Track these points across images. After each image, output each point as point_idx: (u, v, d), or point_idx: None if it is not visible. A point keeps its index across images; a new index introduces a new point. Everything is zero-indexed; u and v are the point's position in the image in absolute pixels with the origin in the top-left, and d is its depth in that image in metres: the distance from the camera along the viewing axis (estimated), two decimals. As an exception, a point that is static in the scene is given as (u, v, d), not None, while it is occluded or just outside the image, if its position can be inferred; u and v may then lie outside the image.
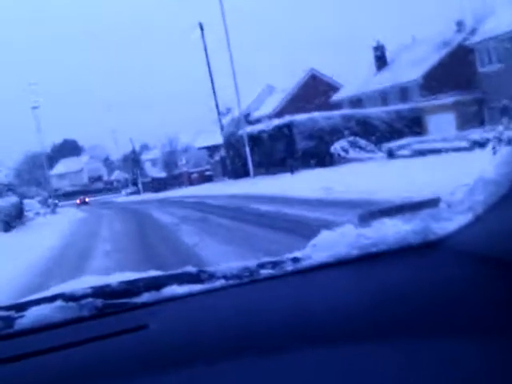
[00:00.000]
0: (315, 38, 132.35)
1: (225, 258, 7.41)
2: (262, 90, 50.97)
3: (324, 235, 1.44)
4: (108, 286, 1.33)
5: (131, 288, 1.31)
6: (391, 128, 29.74)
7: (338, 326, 1.05)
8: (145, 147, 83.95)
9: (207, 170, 50.27)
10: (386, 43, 39.89)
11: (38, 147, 57.44)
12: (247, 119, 39.88)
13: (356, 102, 38.00)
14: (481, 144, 17.89)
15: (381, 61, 38.79)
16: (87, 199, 62.09)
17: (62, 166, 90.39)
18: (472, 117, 26.49)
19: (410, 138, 24.70)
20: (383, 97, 36.09)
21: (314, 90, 42.26)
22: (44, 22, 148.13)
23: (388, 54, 39.38)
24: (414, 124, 30.13)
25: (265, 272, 1.36)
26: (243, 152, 35.00)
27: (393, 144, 23.78)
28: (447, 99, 28.23)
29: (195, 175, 51.02)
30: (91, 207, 49.07)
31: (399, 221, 1.42)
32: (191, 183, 49.16)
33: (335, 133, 28.76)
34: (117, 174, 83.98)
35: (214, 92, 40.27)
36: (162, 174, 57.96)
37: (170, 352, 1.05)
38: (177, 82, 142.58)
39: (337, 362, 0.95)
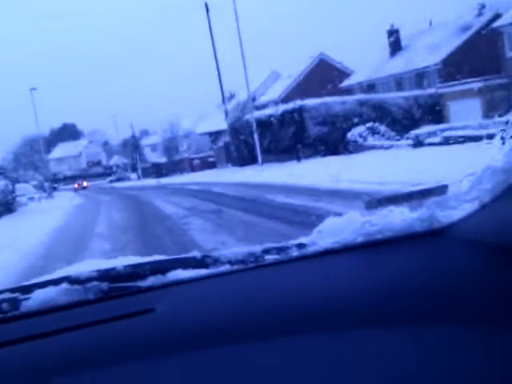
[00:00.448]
0: (324, 22, 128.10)
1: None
2: (267, 76, 48.59)
3: (330, 221, 1.42)
4: (113, 269, 1.29)
5: (136, 272, 1.28)
6: (409, 114, 27.49)
7: (343, 311, 1.04)
8: (145, 132, 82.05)
9: (209, 156, 48.00)
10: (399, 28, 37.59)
11: (39, 130, 54.97)
12: (252, 104, 37.56)
13: (368, 87, 35.72)
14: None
15: (395, 45, 36.50)
16: (85, 184, 60.42)
17: (60, 150, 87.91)
18: (499, 103, 24.24)
19: (442, 125, 22.45)
20: (398, 82, 33.84)
21: (323, 76, 39.95)
22: (44, 4, 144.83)
23: (402, 40, 37.09)
24: (434, 110, 27.88)
25: (270, 257, 1.34)
26: (249, 138, 32.71)
27: (420, 130, 21.50)
28: (472, 84, 25.95)
29: (197, 161, 48.71)
30: (89, 192, 47.06)
31: (405, 208, 1.39)
32: (193, 169, 46.88)
33: (349, 119, 26.48)
34: (116, 159, 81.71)
35: (219, 74, 37.87)
36: (163, 160, 55.63)
37: (176, 335, 1.04)
38: (179, 66, 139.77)
39: (341, 347, 0.95)
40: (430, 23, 37.90)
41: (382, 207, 1.43)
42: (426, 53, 32.74)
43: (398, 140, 22.86)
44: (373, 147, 22.37)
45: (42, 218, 19.81)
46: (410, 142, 20.67)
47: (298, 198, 12.76)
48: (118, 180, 61.74)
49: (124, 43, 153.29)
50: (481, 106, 25.41)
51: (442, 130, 20.07)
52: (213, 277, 1.29)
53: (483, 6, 31.85)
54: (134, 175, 61.70)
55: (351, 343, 0.96)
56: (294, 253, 1.35)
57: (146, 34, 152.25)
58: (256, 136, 28.57)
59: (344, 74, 41.28)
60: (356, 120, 26.14)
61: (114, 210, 19.12)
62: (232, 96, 44.95)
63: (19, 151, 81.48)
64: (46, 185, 46.22)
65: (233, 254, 1.36)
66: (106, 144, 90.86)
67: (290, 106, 28.10)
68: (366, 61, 39.83)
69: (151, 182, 43.19)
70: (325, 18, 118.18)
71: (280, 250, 1.37)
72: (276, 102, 38.19)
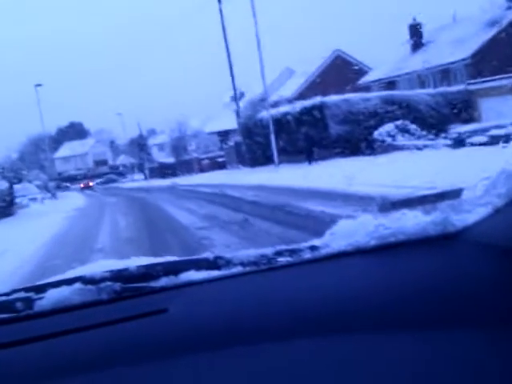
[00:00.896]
0: (338, 17, 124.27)
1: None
2: (280, 73, 46.28)
3: (342, 224, 1.40)
4: (126, 269, 1.30)
5: (149, 272, 1.28)
6: (437, 112, 25.19)
7: (356, 314, 1.03)
8: (152, 132, 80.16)
9: (219, 157, 45.75)
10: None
11: (43, 129, 52.94)
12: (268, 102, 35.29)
13: (388, 85, 33.40)
14: None
15: (417, 40, 34.17)
16: (91, 183, 58.69)
17: (66, 149, 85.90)
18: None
19: (486, 123, 20.11)
20: (421, 79, 31.51)
21: (339, 73, 37.71)
22: (53, 1, 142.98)
23: (424, 35, 34.81)
24: (464, 108, 25.61)
25: (282, 260, 1.33)
26: (263, 137, 30.48)
27: (461, 129, 19.20)
28: (506, 81, 23.65)
29: (206, 161, 46.45)
30: (95, 192, 45.07)
31: (419, 211, 1.37)
32: (202, 170, 44.62)
33: (373, 117, 24.20)
34: (122, 159, 79.72)
35: (231, 70, 35.64)
36: (170, 160, 53.39)
37: (190, 336, 1.04)
38: (186, 64, 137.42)
39: (353, 350, 0.94)
40: (454, 18, 35.58)
41: (395, 210, 1.39)
42: (451, 48, 30.44)
43: (432, 139, 20.57)
44: (403, 147, 20.07)
45: (40, 223, 17.65)
46: (448, 141, 18.37)
47: (333, 206, 10.53)
48: (108, 182, 60.01)
49: (131, 41, 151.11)
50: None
51: (486, 129, 17.74)
52: (225, 278, 1.27)
53: (512, -1, 29.55)
54: (138, 176, 59.75)
55: (363, 346, 0.94)
56: (307, 255, 1.34)
57: (154, 32, 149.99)
58: (273, 135, 26.31)
59: (361, 71, 39.00)
60: (380, 119, 23.88)
61: (119, 216, 16.89)
62: (242, 95, 43.07)
63: (25, 150, 79.62)
64: (51, 184, 44.15)
65: (245, 256, 1.33)
66: (112, 143, 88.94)
67: (310, 102, 25.79)
68: (384, 57, 37.70)
69: (160, 182, 41.00)
70: (339, 13, 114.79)
71: (292, 252, 1.36)
72: (289, 100, 35.92)
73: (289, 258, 1.34)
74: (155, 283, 1.26)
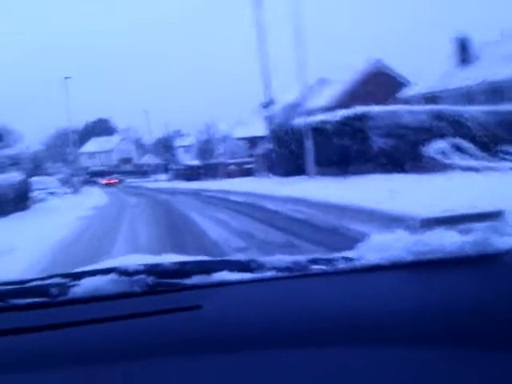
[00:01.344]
0: (377, 28, 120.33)
1: None
2: (314, 83, 44.08)
3: (378, 238, 1.37)
4: (159, 265, 1.30)
5: (182, 269, 1.28)
6: (489, 131, 22.77)
7: (386, 327, 1.02)
8: (178, 133, 78.64)
9: (246, 163, 43.60)
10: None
11: (70, 122, 51.44)
12: (303, 109, 33.12)
13: (431, 100, 31.02)
14: None
15: (464, 55, 31.77)
16: (114, 180, 57.14)
17: (92, 145, 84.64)
18: None
19: None
20: (469, 96, 29.10)
21: (378, 84, 35.45)
22: None
23: (471, 49, 32.40)
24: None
25: (316, 268, 1.31)
26: (296, 145, 28.23)
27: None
28: None
29: (232, 167, 44.29)
30: (117, 190, 43.34)
31: (459, 230, 1.32)
32: (228, 175, 42.50)
33: (420, 132, 21.88)
34: (147, 158, 78.18)
35: (265, 75, 33.57)
36: (195, 163, 51.43)
37: (222, 334, 1.04)
38: (218, 66, 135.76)
39: (380, 363, 0.93)
40: (502, 33, 33.13)
41: (436, 227, 1.33)
42: (502, 65, 28.04)
43: (491, 160, 18.19)
44: (457, 167, 17.74)
45: (52, 222, 15.66)
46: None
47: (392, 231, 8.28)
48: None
49: (163, 41, 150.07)
50: None
51: None
52: (258, 281, 1.26)
53: None
54: (161, 176, 57.99)
55: (390, 360, 0.93)
56: (341, 265, 1.30)
57: (187, 32, 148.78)
58: (310, 144, 24.13)
59: (400, 83, 36.72)
60: (428, 134, 21.58)
61: (138, 222, 14.81)
62: (271, 102, 41.21)
63: (52, 143, 78.52)
64: (74, 179, 42.55)
65: (278, 261, 1.32)
66: (138, 142, 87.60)
67: (351, 111, 23.55)
68: (424, 70, 35.24)
69: (185, 185, 39.01)
70: (378, 24, 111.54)
71: (327, 261, 1.33)
72: (324, 110, 33.78)
73: (323, 267, 1.30)
74: (188, 280, 1.23)
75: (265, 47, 33.82)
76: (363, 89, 35.85)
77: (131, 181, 61.36)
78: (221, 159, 47.71)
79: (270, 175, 33.57)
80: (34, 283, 1.27)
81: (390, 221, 9.69)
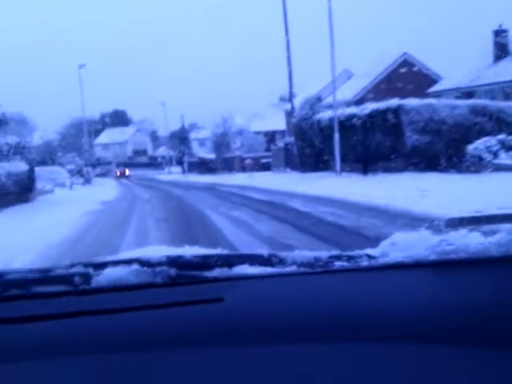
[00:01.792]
0: (406, 21, 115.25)
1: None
2: (337, 75, 42.00)
3: (401, 236, 1.33)
4: (181, 257, 1.29)
5: (204, 262, 1.28)
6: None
7: (409, 326, 1.02)
8: (193, 126, 76.96)
9: (263, 157, 41.71)
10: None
11: (84, 112, 49.77)
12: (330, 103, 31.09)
13: (465, 95, 28.85)
14: None
15: (502, 49, 29.54)
16: (128, 172, 55.62)
17: (106, 136, 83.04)
18: None
19: None
20: (506, 91, 26.93)
21: (406, 78, 33.24)
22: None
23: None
24: None
25: (338, 264, 1.29)
26: (320, 140, 26.34)
27: None
28: None
29: (249, 161, 42.35)
30: (130, 182, 41.82)
31: (484, 231, 1.29)
32: (243, 169, 40.64)
33: (459, 127, 19.84)
34: (162, 150, 76.57)
35: (289, 66, 31.62)
36: (211, 156, 49.55)
37: (243, 327, 1.04)
38: (235, 59, 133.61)
39: (401, 361, 0.93)
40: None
41: (461, 227, 1.31)
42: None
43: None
44: (507, 167, 15.67)
45: (55, 217, 13.88)
46: None
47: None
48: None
49: (180, 32, 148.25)
50: None
51: None
52: (279, 276, 1.25)
53: None
54: (176, 169, 56.34)
55: (411, 358, 0.93)
56: (363, 262, 1.28)
57: (204, 23, 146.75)
58: (337, 139, 22.13)
59: (429, 78, 34.54)
60: (467, 130, 19.52)
61: (149, 222, 12.94)
62: (292, 95, 39.35)
63: (67, 132, 77.06)
64: (85, 170, 40.90)
65: (299, 257, 1.30)
66: (153, 134, 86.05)
67: (383, 104, 21.50)
68: (456, 65, 33.07)
69: (200, 178, 37.20)
70: (407, 15, 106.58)
71: (350, 257, 1.31)
72: (348, 104, 31.74)
73: (344, 263, 1.28)
74: (209, 273, 1.22)
75: (288, 39, 31.94)
76: (390, 83, 33.73)
77: (145, 173, 59.91)
78: (237, 153, 45.81)
79: (288, 170, 31.68)
80: (57, 272, 1.26)
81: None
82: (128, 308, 1.09)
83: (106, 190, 28.14)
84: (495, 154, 16.66)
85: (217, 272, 1.23)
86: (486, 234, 1.25)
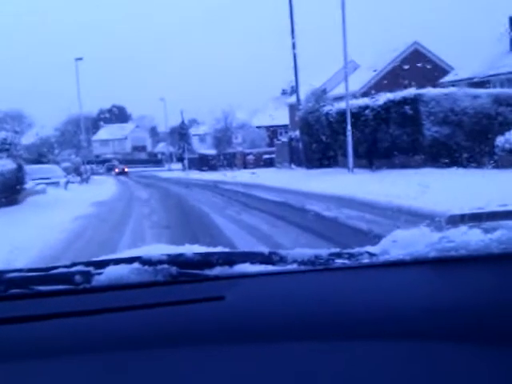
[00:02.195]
0: (416, 10, 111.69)
1: None
2: (342, 67, 40.38)
3: (402, 233, 1.33)
4: (182, 255, 1.28)
5: (205, 260, 1.27)
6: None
7: (409, 322, 1.01)
8: (193, 122, 75.34)
9: (266, 153, 40.19)
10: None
11: (81, 108, 48.18)
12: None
13: (479, 85, 27.20)
14: None
15: (518, 36, 27.93)
16: (126, 169, 54.23)
17: (105, 132, 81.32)
18: None
19: None
20: (525, 81, 25.31)
21: (416, 68, 31.54)
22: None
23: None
24: None
25: (338, 262, 1.28)
26: (329, 134, 24.76)
27: None
28: None
29: (251, 157, 40.80)
30: (129, 179, 40.28)
31: (484, 228, 1.27)
32: (245, 166, 39.05)
33: (481, 118, 18.26)
34: (162, 146, 75.01)
35: (294, 59, 29.99)
36: (211, 152, 47.92)
37: (244, 325, 1.03)
38: (235, 51, 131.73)
39: (400, 357, 0.92)
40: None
41: (462, 224, 1.31)
42: None
43: None
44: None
45: (40, 224, 12.26)
46: None
47: None
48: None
49: (179, 26, 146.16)
50: None
51: None
52: (280, 274, 1.25)
53: None
54: (176, 165, 54.75)
55: (412, 354, 0.93)
56: (364, 260, 1.28)
57: (203, 18, 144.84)
58: (349, 132, 20.52)
59: (440, 68, 32.88)
60: (490, 121, 17.95)
61: (147, 228, 11.34)
62: (292, 88, 37.84)
63: (64, 129, 75.37)
64: (83, 168, 39.30)
65: (299, 254, 1.29)
66: (153, 130, 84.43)
67: (399, 94, 19.90)
68: (468, 55, 31.39)
69: (201, 175, 35.55)
70: (417, 4, 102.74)
71: (350, 255, 1.30)
72: (355, 96, 30.12)
73: (345, 261, 1.28)
74: (210, 271, 1.22)
75: (293, 32, 30.31)
76: (399, 73, 32.06)
77: (144, 170, 58.38)
78: (238, 148, 44.19)
79: (294, 166, 30.12)
80: (59, 270, 1.24)
81: None
82: (129, 306, 1.08)
83: (102, 189, 26.54)
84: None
85: (218, 270, 1.22)
86: (486, 230, 1.21)
